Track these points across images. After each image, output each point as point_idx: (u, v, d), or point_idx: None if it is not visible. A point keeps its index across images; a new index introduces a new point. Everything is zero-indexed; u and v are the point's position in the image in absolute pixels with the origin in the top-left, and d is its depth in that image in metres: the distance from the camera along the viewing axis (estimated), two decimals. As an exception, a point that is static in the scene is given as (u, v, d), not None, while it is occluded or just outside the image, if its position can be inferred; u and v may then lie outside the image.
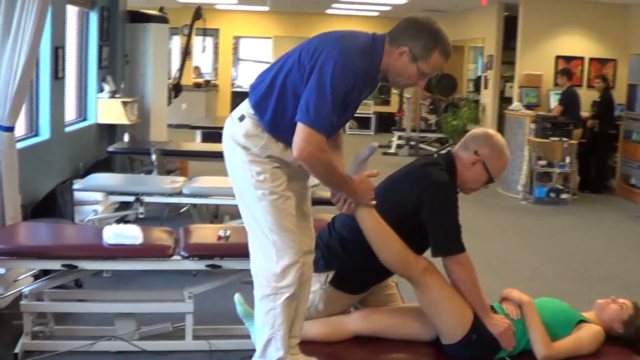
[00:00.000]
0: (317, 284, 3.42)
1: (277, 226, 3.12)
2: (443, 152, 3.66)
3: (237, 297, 3.54)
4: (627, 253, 7.77)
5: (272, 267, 3.12)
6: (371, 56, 3.07)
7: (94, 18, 8.62)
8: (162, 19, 10.06)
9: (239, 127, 3.19)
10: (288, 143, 3.12)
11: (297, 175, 3.31)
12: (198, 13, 11.20)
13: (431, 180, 3.34)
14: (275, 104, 3.10)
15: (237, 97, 20.22)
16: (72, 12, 8.14)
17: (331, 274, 3.43)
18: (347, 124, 16.72)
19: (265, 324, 3.18)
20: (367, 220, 3.29)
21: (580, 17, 12.32)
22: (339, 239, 3.47)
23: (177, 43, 16.94)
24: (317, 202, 6.57)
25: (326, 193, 6.59)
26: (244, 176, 3.17)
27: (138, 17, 9.79)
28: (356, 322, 3.46)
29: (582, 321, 3.51)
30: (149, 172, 7.97)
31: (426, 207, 3.29)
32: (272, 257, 3.12)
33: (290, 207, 3.16)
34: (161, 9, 11.05)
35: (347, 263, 3.43)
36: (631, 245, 8.13)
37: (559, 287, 6.28)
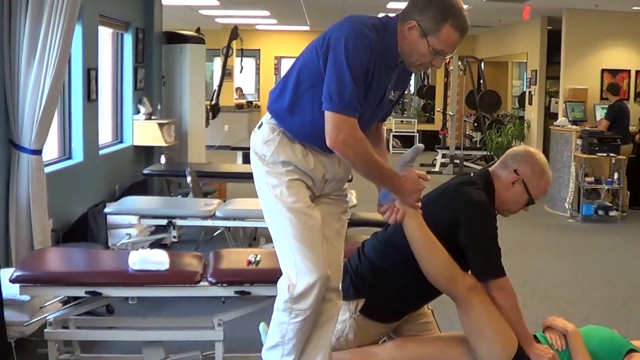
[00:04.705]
0: (347, 312, 3.23)
1: (296, 246, 2.93)
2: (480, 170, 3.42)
3: (262, 326, 3.37)
4: (680, 274, 7.42)
5: (289, 289, 2.93)
6: (383, 34, 2.88)
7: (128, 40, 8.55)
8: (198, 40, 9.95)
9: (257, 135, 3.09)
10: (309, 143, 3.00)
11: (326, 200, 3.15)
12: (235, 33, 11.13)
13: (468, 200, 3.14)
14: (290, 98, 2.96)
15: (279, 118, 20.19)
16: (106, 34, 8.09)
17: (361, 302, 3.24)
18: (391, 142, 16.87)
19: (276, 331, 3.04)
20: (413, 229, 3.09)
21: (625, 29, 12.00)
22: (368, 265, 3.28)
23: (218, 65, 16.94)
24: (354, 223, 6.46)
25: (365, 214, 6.52)
26: (263, 189, 3.04)
27: (174, 38, 9.70)
28: (389, 352, 3.26)
29: (633, 350, 3.27)
30: (187, 195, 7.85)
31: (463, 229, 3.09)
32: (292, 278, 2.94)
33: (313, 226, 2.95)
34: (198, 30, 10.99)
35: (377, 290, 3.23)
36: (684, 265, 7.77)
37: (608, 310, 6.00)
